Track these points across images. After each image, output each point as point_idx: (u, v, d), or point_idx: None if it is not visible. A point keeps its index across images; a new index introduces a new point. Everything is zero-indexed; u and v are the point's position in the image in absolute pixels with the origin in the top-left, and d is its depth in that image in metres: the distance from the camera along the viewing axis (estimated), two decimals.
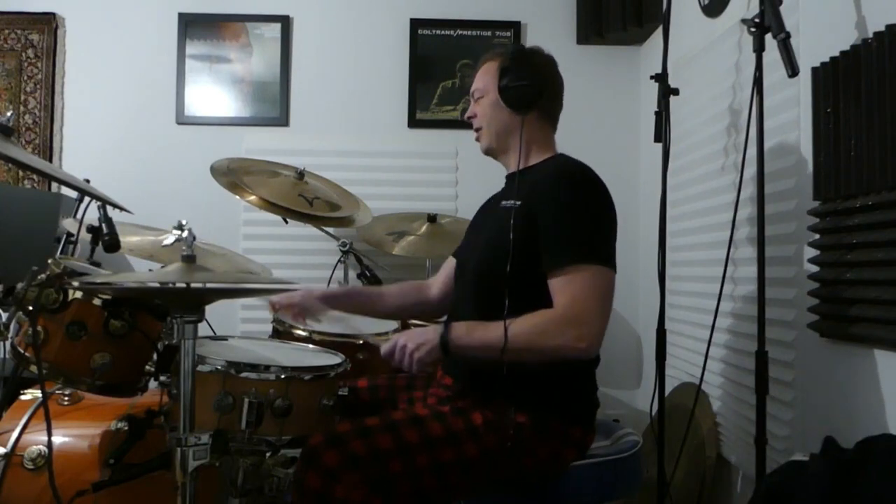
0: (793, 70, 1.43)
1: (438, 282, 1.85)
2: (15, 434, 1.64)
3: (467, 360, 1.50)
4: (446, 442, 1.37)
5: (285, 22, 3.08)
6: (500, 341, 1.36)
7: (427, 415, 1.42)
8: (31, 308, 1.43)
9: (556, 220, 1.43)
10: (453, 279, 1.76)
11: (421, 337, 1.44)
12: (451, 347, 1.42)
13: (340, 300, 1.82)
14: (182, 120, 3.05)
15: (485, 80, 1.62)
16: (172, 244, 1.78)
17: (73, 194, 2.40)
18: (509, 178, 1.67)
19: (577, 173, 1.51)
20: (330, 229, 2.57)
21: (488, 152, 1.66)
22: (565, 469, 1.45)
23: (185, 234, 1.38)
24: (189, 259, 1.32)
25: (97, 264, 1.86)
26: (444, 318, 1.70)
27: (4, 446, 1.62)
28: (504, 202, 1.57)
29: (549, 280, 1.41)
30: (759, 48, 1.56)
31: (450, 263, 1.83)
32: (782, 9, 1.49)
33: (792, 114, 1.73)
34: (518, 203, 1.49)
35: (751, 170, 1.62)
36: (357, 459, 1.30)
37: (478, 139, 1.67)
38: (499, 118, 1.60)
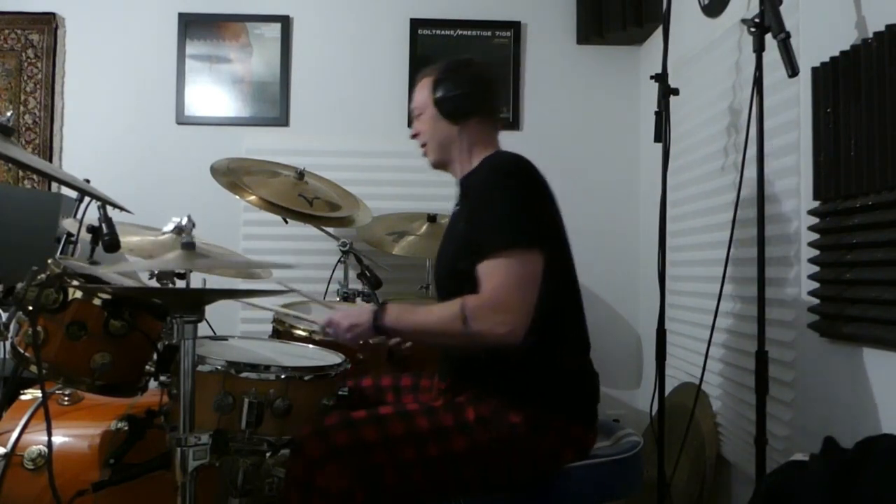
0: (793, 70, 1.43)
1: None
2: (15, 434, 1.64)
3: (457, 360, 1.52)
4: (432, 436, 1.38)
5: (285, 22, 3.08)
6: (428, 326, 1.42)
7: (416, 409, 1.43)
8: (31, 308, 1.42)
9: (480, 212, 1.45)
10: None
11: (355, 318, 1.50)
12: (383, 330, 1.48)
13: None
14: (182, 120, 3.05)
15: (421, 95, 1.64)
16: (172, 230, 1.77)
17: (73, 194, 2.39)
18: (459, 184, 1.68)
19: (501, 164, 1.52)
20: (330, 229, 2.57)
21: (436, 166, 1.68)
22: (563, 467, 1.45)
23: (185, 220, 1.38)
24: (188, 246, 1.32)
25: (97, 264, 1.86)
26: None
27: (4, 446, 1.62)
28: (454, 209, 1.64)
29: (477, 269, 1.41)
30: (759, 48, 1.56)
31: None
32: (782, 9, 1.49)
33: (792, 114, 1.73)
34: (458, 207, 1.56)
35: (751, 170, 1.62)
36: (340, 450, 1.32)
37: (425, 154, 1.68)
38: (439, 131, 1.62)
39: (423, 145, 1.67)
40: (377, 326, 1.47)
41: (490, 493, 1.45)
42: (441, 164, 1.67)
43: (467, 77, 1.60)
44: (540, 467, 1.43)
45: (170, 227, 1.61)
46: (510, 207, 1.44)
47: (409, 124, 1.71)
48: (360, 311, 1.51)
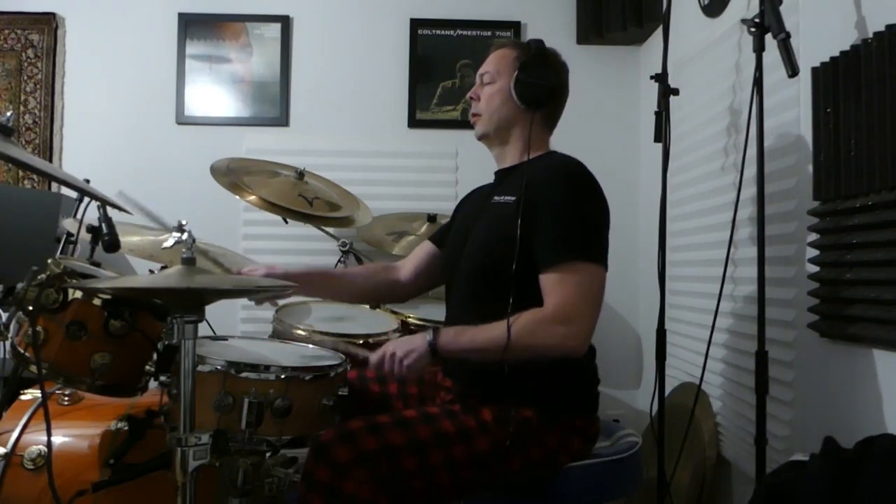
0: (793, 70, 1.43)
1: (410, 264, 1.84)
2: (15, 434, 1.63)
3: (465, 362, 1.50)
4: (458, 438, 1.38)
5: (285, 22, 3.08)
6: (492, 343, 1.37)
7: (438, 413, 1.43)
8: (31, 308, 1.42)
9: (550, 217, 1.43)
10: (426, 264, 1.79)
11: (409, 344, 1.45)
12: (441, 353, 1.44)
13: (301, 278, 1.70)
14: (182, 120, 3.05)
15: (498, 65, 1.60)
16: (172, 246, 1.78)
17: (73, 194, 2.40)
18: (500, 173, 1.66)
19: (574, 172, 1.51)
20: (330, 229, 2.57)
21: (482, 138, 1.64)
22: (573, 459, 1.47)
23: (185, 235, 1.38)
24: (189, 262, 1.32)
25: (97, 264, 1.86)
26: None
27: (4, 446, 1.62)
28: (496, 198, 1.57)
29: (540, 277, 1.42)
30: (759, 48, 1.56)
31: (424, 247, 1.83)
32: (782, 9, 1.49)
33: (792, 114, 1.73)
34: (511, 199, 1.50)
35: (751, 170, 1.62)
36: (368, 456, 1.31)
37: (474, 123, 1.64)
38: (505, 109, 1.58)
39: (477, 114, 1.62)
40: (434, 348, 1.43)
41: (501, 491, 1.45)
42: (488, 140, 1.64)
43: (554, 70, 1.59)
44: (552, 459, 1.45)
45: (170, 242, 1.60)
46: (584, 220, 1.44)
47: (468, 96, 1.63)
48: (413, 338, 1.47)
